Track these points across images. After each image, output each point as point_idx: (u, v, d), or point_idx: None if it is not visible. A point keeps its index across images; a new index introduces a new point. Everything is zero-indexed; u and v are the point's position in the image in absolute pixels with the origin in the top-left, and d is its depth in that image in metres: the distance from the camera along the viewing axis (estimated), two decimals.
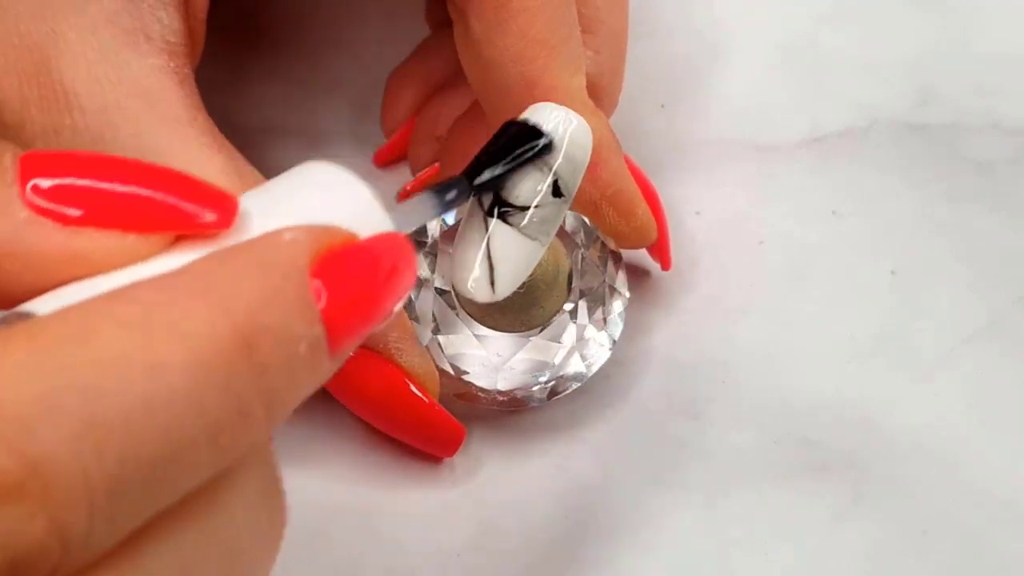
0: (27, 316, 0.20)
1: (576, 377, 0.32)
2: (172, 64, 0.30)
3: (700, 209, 0.36)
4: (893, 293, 0.35)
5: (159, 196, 0.21)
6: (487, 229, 0.28)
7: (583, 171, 0.28)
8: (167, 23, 0.30)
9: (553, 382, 0.32)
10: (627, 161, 0.32)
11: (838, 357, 0.34)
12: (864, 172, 0.37)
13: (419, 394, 0.31)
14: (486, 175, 0.27)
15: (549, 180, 0.28)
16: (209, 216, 0.21)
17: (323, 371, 0.20)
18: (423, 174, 0.35)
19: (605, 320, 0.32)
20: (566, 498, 0.32)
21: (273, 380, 0.19)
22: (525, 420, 0.33)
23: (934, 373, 0.34)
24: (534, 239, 0.28)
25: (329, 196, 0.22)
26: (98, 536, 0.17)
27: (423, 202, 0.24)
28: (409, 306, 0.32)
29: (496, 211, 0.28)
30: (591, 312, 0.32)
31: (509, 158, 0.27)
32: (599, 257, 0.33)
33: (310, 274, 0.20)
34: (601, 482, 0.33)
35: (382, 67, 0.37)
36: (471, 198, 0.27)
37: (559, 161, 0.28)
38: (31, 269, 0.20)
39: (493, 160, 0.27)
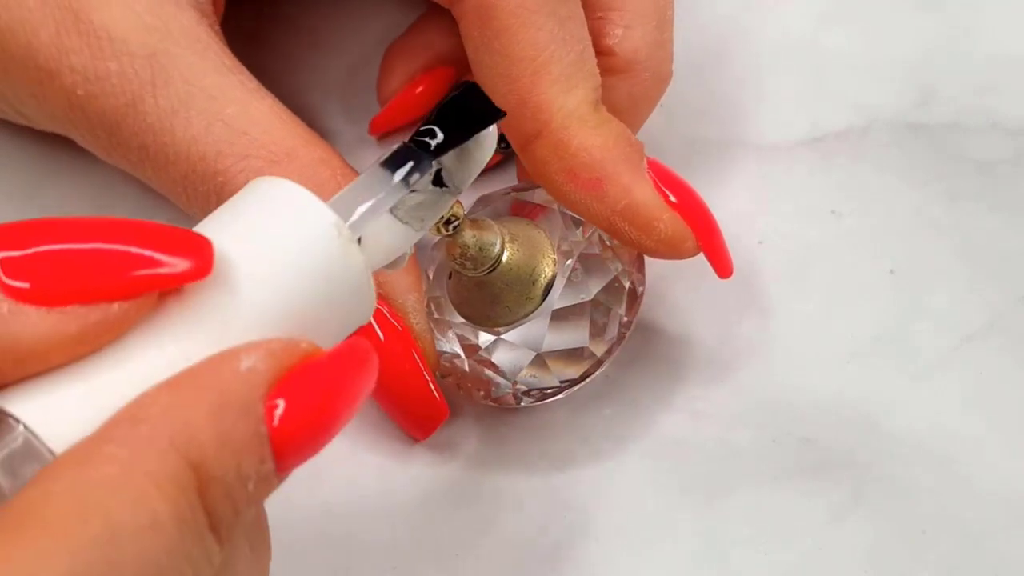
0: (7, 416, 0.20)
1: (560, 387, 0.31)
2: (206, 21, 0.31)
3: None
4: (892, 293, 0.35)
5: (131, 250, 0.20)
6: None
7: (476, 172, 0.26)
8: None
9: (535, 392, 0.31)
10: (655, 165, 0.31)
11: (838, 357, 0.34)
12: (864, 172, 0.37)
13: (418, 359, 0.31)
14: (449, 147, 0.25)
15: (431, 167, 0.25)
16: (182, 265, 0.20)
17: (269, 492, 0.21)
18: None
19: (601, 332, 0.31)
20: (565, 498, 0.32)
21: (223, 516, 0.20)
22: (524, 420, 0.33)
23: (934, 373, 0.34)
24: (405, 223, 0.25)
25: (288, 219, 0.22)
26: None
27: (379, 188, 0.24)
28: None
29: None
30: (579, 322, 0.31)
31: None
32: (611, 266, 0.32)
33: (269, 396, 0.20)
34: (600, 482, 0.33)
35: (380, 45, 0.37)
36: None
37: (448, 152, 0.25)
38: (14, 359, 0.20)
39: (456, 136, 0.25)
